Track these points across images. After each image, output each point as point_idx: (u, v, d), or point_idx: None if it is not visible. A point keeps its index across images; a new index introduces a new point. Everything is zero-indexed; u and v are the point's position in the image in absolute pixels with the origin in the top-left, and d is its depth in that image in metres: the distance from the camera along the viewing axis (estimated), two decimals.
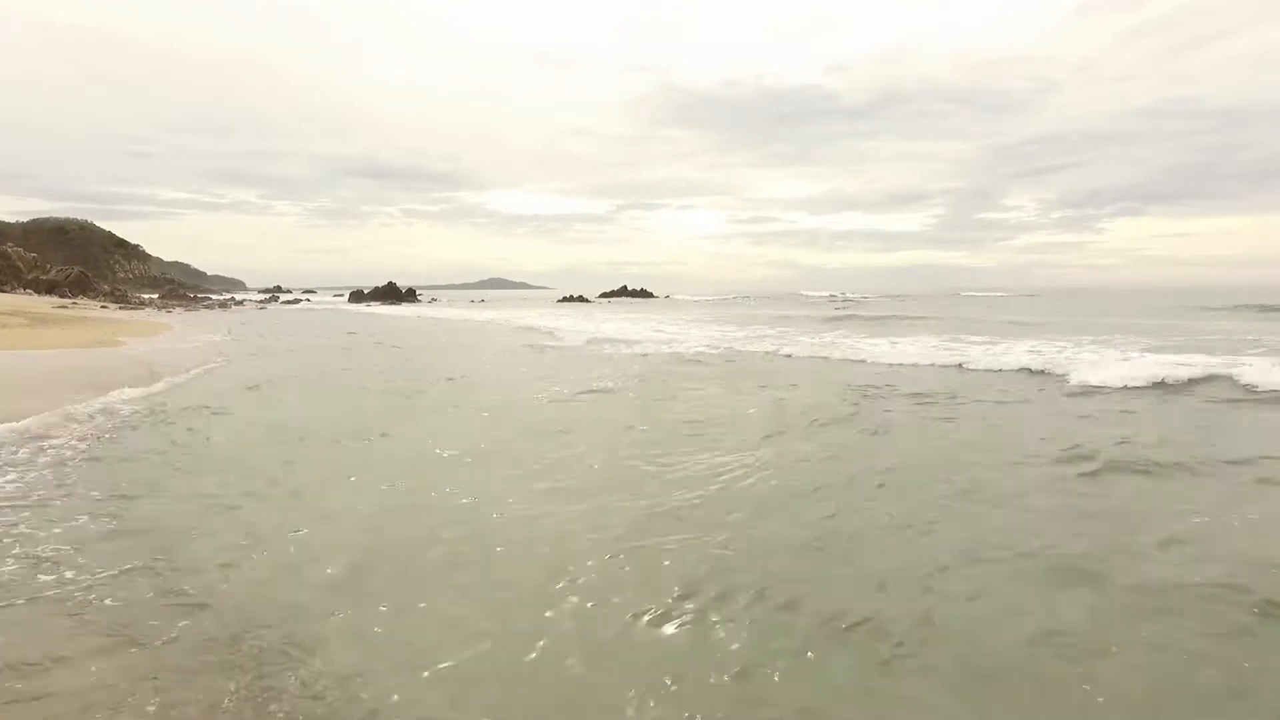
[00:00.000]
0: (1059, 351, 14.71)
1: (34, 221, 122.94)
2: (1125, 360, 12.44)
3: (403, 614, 3.60)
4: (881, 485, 5.70)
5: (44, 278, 58.09)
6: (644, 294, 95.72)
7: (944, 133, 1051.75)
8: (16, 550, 4.25)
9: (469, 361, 15.98)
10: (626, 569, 4.14)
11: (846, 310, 43.64)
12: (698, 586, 3.87)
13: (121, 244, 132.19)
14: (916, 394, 10.13)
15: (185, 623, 3.45)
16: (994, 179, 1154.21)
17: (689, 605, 3.65)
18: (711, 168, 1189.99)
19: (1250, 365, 10.79)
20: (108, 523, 4.76)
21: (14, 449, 6.44)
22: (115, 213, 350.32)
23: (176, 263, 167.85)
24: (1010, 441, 7.20)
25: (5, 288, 52.15)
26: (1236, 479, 5.73)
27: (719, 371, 13.44)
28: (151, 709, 2.76)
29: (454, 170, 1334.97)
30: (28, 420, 7.45)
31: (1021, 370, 12.35)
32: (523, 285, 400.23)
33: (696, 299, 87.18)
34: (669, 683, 2.98)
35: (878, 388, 10.65)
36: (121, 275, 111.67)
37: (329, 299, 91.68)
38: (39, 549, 4.27)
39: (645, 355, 16.67)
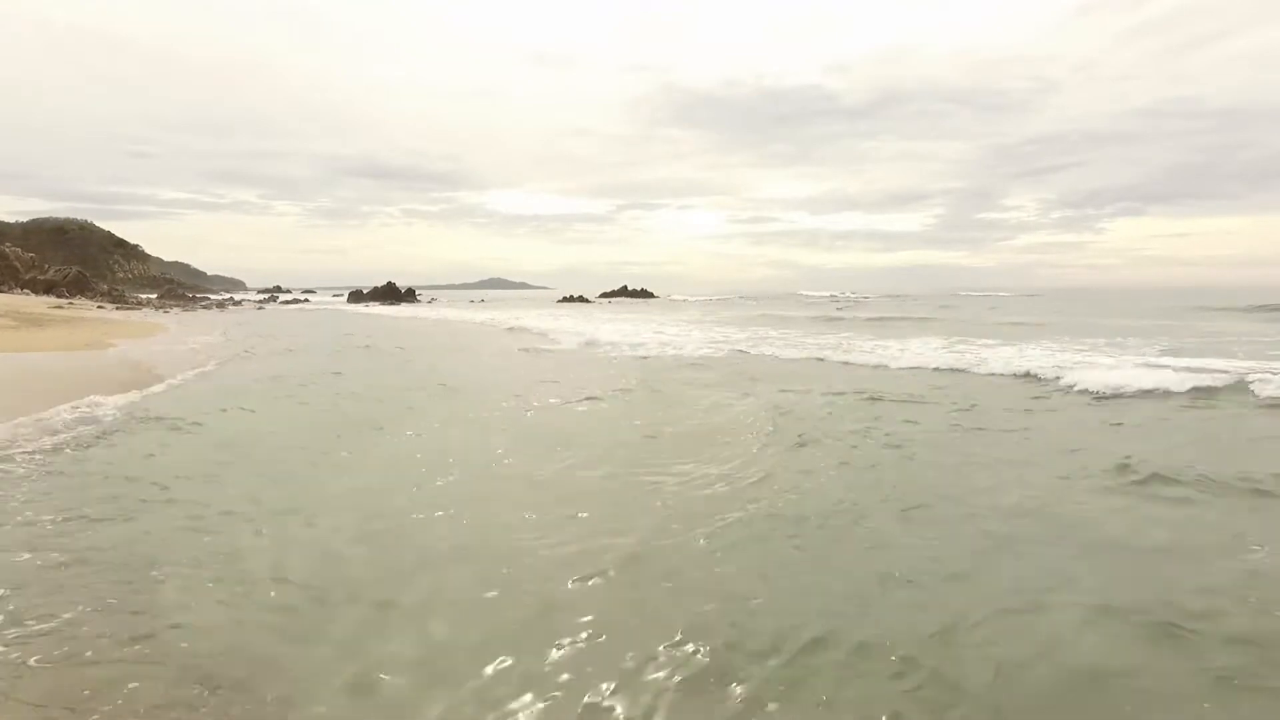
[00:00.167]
0: (1075, 355, 14.31)
1: (34, 221, 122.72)
2: (1146, 365, 12.01)
3: (382, 668, 3.18)
4: (914, 508, 5.20)
5: (42, 278, 57.66)
6: (644, 294, 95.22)
7: (944, 133, 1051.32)
8: None
9: (463, 366, 15.55)
10: (625, 617, 3.71)
11: (849, 311, 43.18)
12: (706, 630, 3.44)
13: (121, 244, 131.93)
14: (935, 402, 9.68)
15: (135, 685, 2.99)
16: (994, 179, 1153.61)
17: (695, 653, 3.23)
18: (711, 168, 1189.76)
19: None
20: (55, 556, 4.28)
21: None
22: (115, 213, 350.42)
23: (176, 263, 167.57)
24: (1046, 457, 6.71)
25: (3, 288, 51.75)
26: None
27: (721, 377, 13.00)
28: None
29: (454, 170, 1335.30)
30: None
31: (1038, 374, 11.86)
32: (523, 285, 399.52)
33: (696, 299, 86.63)
34: None
35: (892, 394, 10.20)
36: (121, 275, 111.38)
37: (328, 299, 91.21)
38: None
39: (645, 358, 16.26)
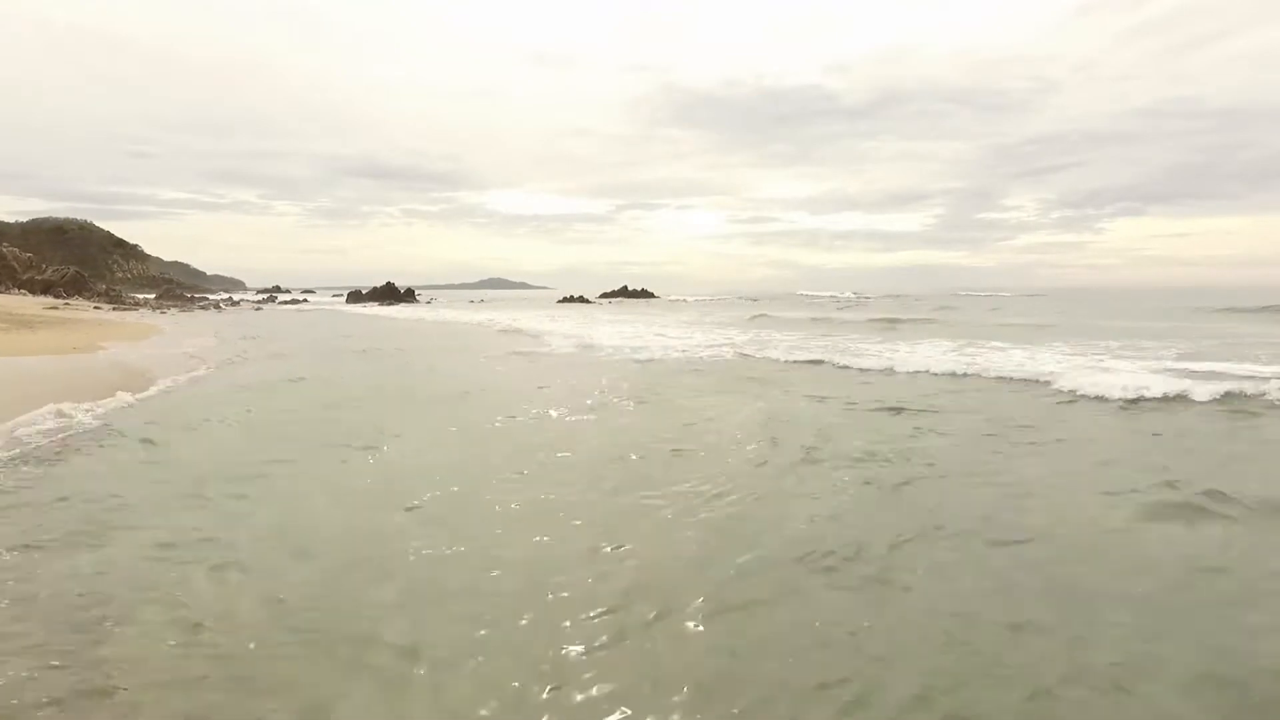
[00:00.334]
0: (1090, 358, 13.91)
1: (33, 221, 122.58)
2: (1168, 370, 11.61)
3: None
4: (952, 536, 4.72)
5: (39, 278, 57.32)
6: (645, 294, 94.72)
7: (944, 133, 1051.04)
8: None
9: (459, 372, 15.15)
10: (620, 668, 3.31)
11: (850, 311, 42.73)
12: (711, 691, 3.04)
13: (120, 244, 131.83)
14: (954, 410, 9.25)
15: None
16: (994, 179, 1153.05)
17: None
18: (711, 168, 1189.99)
19: None
20: None
21: None
22: (115, 213, 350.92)
23: (176, 263, 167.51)
24: (1082, 478, 6.15)
25: (0, 288, 51.41)
26: None
27: (723, 383, 12.59)
28: None
29: (454, 170, 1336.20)
30: None
31: (1053, 380, 11.39)
32: (523, 285, 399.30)
33: (696, 299, 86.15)
34: None
35: (908, 402, 9.74)
36: (120, 275, 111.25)
37: (327, 299, 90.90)
38: None
39: (648, 361, 15.85)
